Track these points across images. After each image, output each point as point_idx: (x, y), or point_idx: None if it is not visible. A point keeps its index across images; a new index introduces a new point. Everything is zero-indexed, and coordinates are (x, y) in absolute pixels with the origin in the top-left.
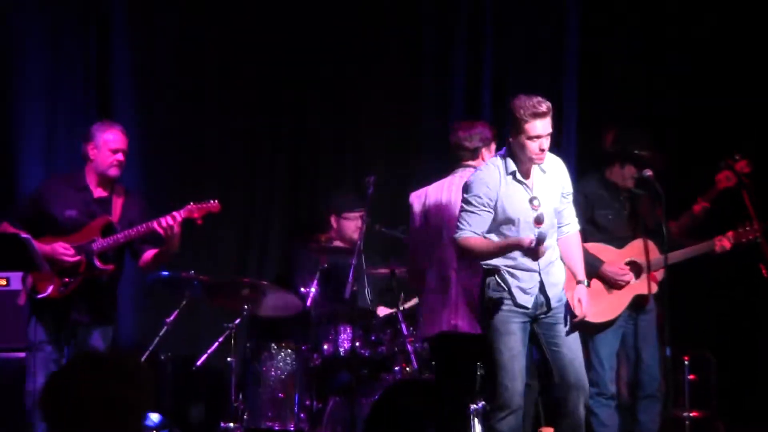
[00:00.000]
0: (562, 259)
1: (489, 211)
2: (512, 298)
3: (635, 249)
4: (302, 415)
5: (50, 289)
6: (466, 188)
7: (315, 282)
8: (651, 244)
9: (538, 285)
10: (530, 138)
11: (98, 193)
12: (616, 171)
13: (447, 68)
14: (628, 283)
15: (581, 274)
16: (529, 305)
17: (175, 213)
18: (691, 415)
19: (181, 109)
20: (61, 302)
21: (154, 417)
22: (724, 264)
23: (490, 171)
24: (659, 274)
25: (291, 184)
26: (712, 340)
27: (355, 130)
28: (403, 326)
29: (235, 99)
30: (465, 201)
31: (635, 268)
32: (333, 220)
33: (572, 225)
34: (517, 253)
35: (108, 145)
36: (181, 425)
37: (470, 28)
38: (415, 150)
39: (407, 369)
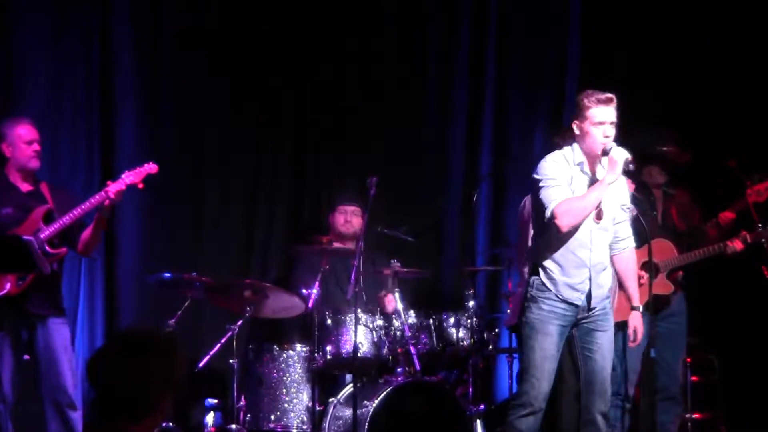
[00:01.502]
0: (618, 278)
1: (567, 186)
2: (559, 295)
3: (654, 249)
4: (304, 416)
5: (8, 286)
6: (540, 169)
7: (317, 283)
8: (669, 245)
9: (587, 281)
10: (594, 124)
11: (25, 187)
12: (646, 171)
13: (450, 69)
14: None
15: (636, 299)
16: (579, 302)
17: (112, 185)
18: (693, 416)
19: (183, 109)
20: (17, 298)
21: (212, 400)
22: (727, 266)
23: (559, 157)
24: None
25: (293, 186)
26: (715, 342)
27: (358, 131)
28: (406, 328)
29: (238, 100)
30: (541, 180)
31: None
32: (330, 217)
33: (628, 241)
34: (571, 246)
35: (21, 138)
36: (183, 427)
37: (474, 28)
38: (417, 151)
39: (410, 370)
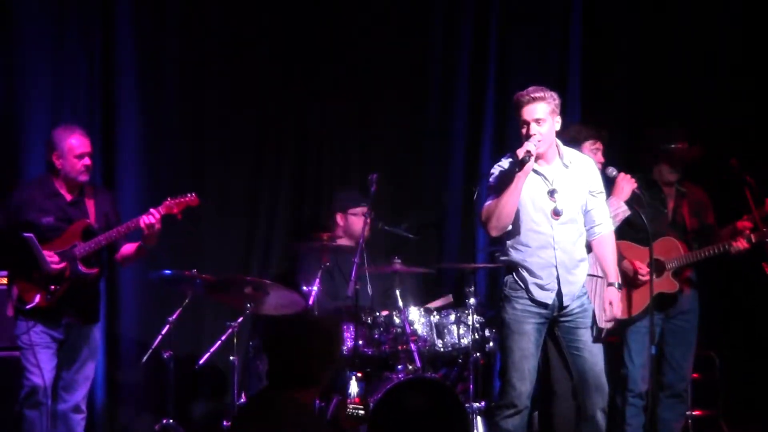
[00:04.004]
0: (597, 259)
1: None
2: (530, 294)
3: (660, 247)
4: None
5: (37, 298)
6: (490, 178)
7: (318, 280)
8: (676, 243)
9: (555, 281)
10: (520, 124)
11: (69, 196)
12: (656, 169)
13: (452, 65)
14: (644, 280)
15: (613, 276)
16: (549, 301)
17: (153, 210)
18: (694, 413)
19: (185, 107)
20: (49, 309)
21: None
22: (728, 263)
23: (505, 162)
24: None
25: (295, 183)
26: (716, 339)
27: (359, 129)
28: (406, 325)
29: (240, 97)
30: (489, 188)
31: (657, 266)
32: (339, 217)
33: (604, 225)
34: (533, 248)
35: (73, 152)
36: (183, 424)
37: (475, 25)
38: (418, 148)
39: (410, 368)
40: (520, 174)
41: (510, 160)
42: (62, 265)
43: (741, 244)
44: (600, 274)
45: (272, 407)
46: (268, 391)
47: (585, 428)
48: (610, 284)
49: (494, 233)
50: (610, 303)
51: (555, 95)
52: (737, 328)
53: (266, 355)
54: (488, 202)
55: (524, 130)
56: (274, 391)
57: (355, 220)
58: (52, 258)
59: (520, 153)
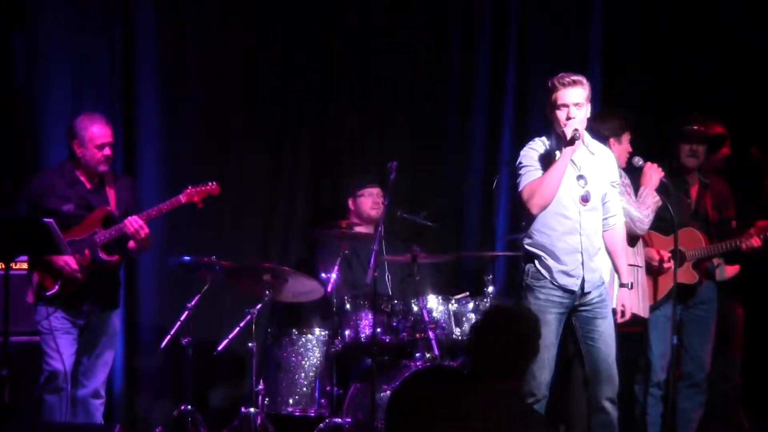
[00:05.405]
0: (607, 252)
1: (541, 171)
2: (556, 282)
3: (682, 238)
4: (323, 401)
5: (56, 287)
6: (518, 158)
7: (336, 268)
8: (697, 234)
9: (580, 267)
10: (558, 107)
11: (90, 184)
12: (676, 156)
13: (473, 53)
14: (662, 268)
15: (625, 276)
16: (575, 288)
17: (173, 199)
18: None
19: (205, 95)
20: (69, 296)
21: None
22: (747, 257)
23: (537, 144)
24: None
25: (314, 170)
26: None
27: (378, 117)
28: (425, 312)
29: (260, 86)
30: (518, 169)
31: (679, 256)
32: (351, 203)
33: (617, 217)
34: (559, 232)
35: (93, 141)
36: (201, 410)
37: (496, 13)
38: (439, 136)
39: (428, 356)
40: (567, 150)
41: (544, 141)
42: (79, 275)
43: (755, 242)
44: (640, 264)
45: (478, 397)
46: (470, 381)
47: (596, 418)
48: (622, 285)
49: (535, 211)
50: (623, 306)
51: (588, 82)
52: (758, 320)
53: (473, 345)
54: (531, 180)
55: (564, 113)
56: (476, 382)
57: (363, 201)
58: (73, 265)
59: (568, 132)
